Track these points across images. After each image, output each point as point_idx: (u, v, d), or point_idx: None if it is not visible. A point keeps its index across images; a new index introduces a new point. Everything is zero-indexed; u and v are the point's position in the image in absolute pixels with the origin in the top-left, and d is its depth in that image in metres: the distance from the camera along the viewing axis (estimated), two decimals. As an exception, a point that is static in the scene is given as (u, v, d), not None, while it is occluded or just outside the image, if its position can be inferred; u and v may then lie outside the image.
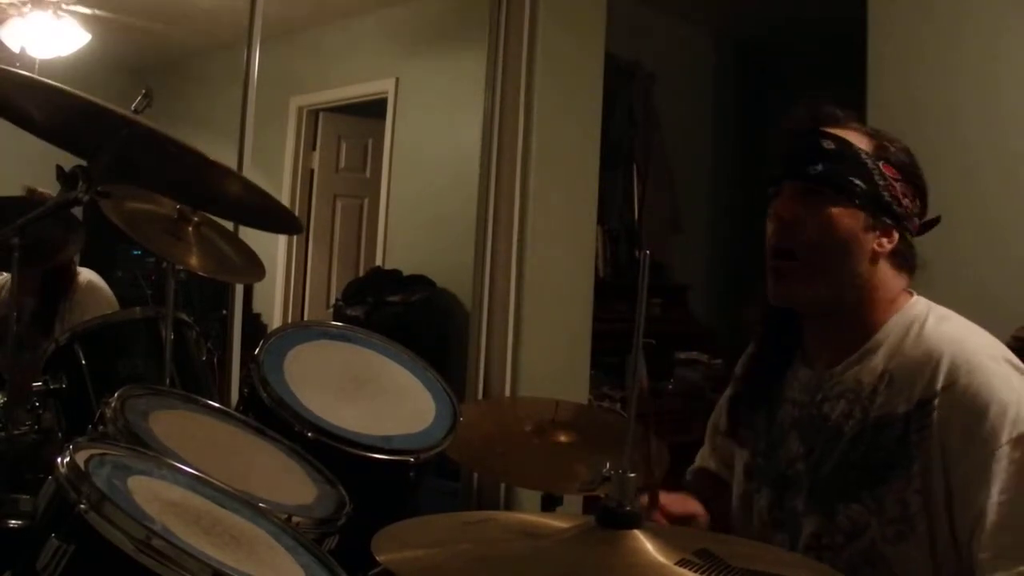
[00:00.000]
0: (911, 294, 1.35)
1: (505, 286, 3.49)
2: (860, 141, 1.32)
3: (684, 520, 1.41)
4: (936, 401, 1.22)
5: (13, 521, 1.28)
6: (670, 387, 4.64)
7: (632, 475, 0.90)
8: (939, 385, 1.23)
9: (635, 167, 5.08)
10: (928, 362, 1.25)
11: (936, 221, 1.37)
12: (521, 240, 3.51)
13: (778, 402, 1.41)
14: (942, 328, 1.29)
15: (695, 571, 0.83)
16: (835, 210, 1.29)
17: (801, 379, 1.39)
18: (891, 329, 1.31)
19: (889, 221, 1.31)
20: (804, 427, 1.36)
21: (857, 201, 1.29)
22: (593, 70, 3.81)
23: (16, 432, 1.74)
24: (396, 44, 5.14)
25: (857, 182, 1.29)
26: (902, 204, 1.32)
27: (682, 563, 0.84)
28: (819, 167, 1.29)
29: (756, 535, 1.38)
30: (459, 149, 4.25)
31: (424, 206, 4.89)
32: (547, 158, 3.57)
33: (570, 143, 3.71)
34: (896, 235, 1.32)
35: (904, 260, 1.34)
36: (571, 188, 3.74)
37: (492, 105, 3.54)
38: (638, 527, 0.89)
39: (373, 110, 5.37)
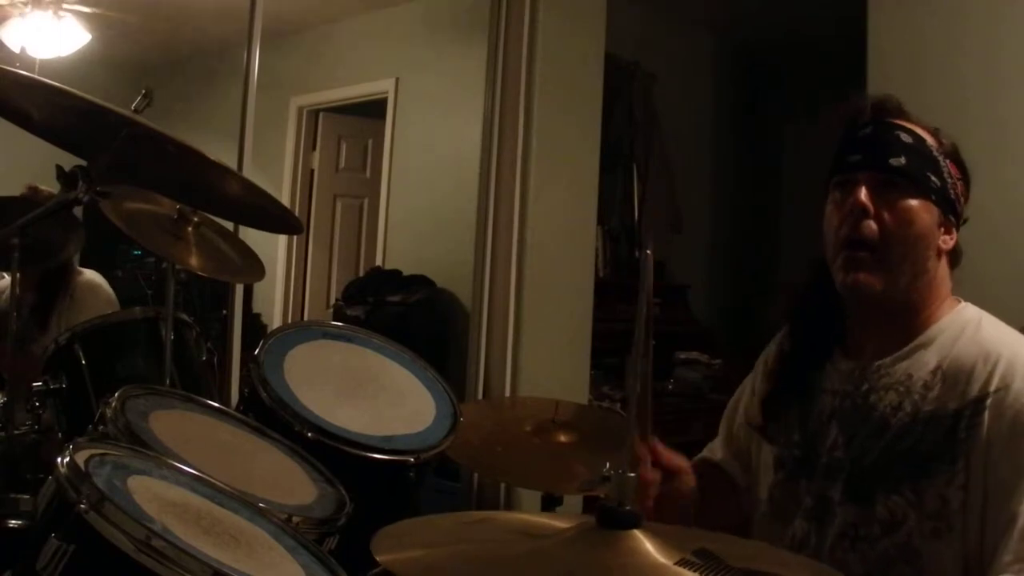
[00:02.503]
0: (959, 300, 1.36)
1: (505, 286, 3.49)
2: (927, 136, 1.33)
3: (670, 471, 1.37)
4: (988, 401, 1.23)
5: (13, 521, 1.29)
6: (670, 387, 4.64)
7: (632, 475, 0.90)
8: (993, 386, 1.23)
9: (635, 167, 5.07)
10: (984, 362, 1.25)
11: (966, 220, 1.38)
12: (521, 240, 3.51)
13: (816, 393, 1.40)
14: (999, 331, 1.30)
15: (695, 571, 0.83)
16: (914, 203, 1.29)
17: (842, 370, 1.38)
18: (944, 327, 1.32)
19: (952, 219, 1.33)
20: (845, 417, 1.35)
21: (933, 197, 1.30)
22: (593, 70, 3.81)
23: (16, 432, 1.74)
24: (396, 44, 5.14)
25: (932, 177, 1.30)
26: (961, 203, 1.34)
27: (682, 563, 0.84)
28: (901, 159, 1.29)
29: (782, 525, 1.38)
30: (459, 149, 4.25)
31: (424, 206, 4.89)
32: (547, 158, 3.57)
33: (570, 143, 3.71)
34: (955, 233, 1.34)
35: (956, 259, 1.35)
36: (571, 188, 3.74)
37: (492, 105, 3.54)
38: (638, 527, 0.89)
39: (373, 110, 5.37)
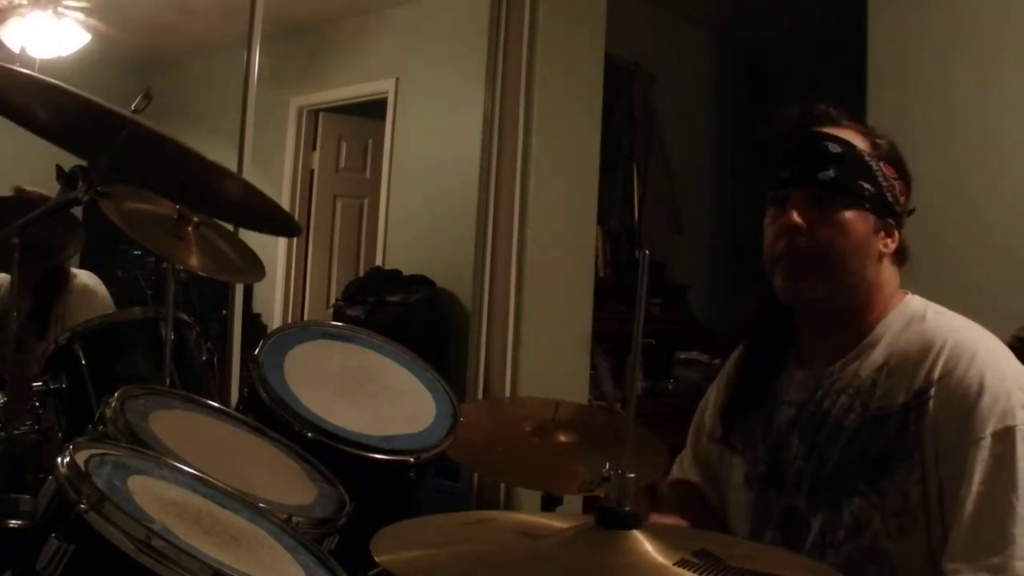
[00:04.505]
0: (905, 293, 1.36)
1: (505, 286, 3.49)
2: (858, 141, 1.32)
3: None
4: (932, 390, 1.22)
5: (13, 521, 1.29)
6: (670, 387, 4.64)
7: (632, 475, 0.90)
8: (936, 374, 1.23)
9: (635, 167, 5.08)
10: (928, 352, 1.25)
11: (912, 211, 1.38)
12: (521, 240, 3.51)
13: (774, 406, 1.40)
14: (941, 320, 1.30)
15: (695, 571, 0.83)
16: (848, 214, 1.29)
17: (797, 380, 1.39)
18: (890, 324, 1.32)
19: (892, 222, 1.32)
20: (803, 427, 1.35)
21: (867, 205, 1.29)
22: (593, 70, 3.81)
23: (16, 432, 1.74)
24: (396, 44, 5.14)
25: (866, 185, 1.29)
26: (900, 203, 1.33)
27: (682, 563, 0.84)
28: (830, 172, 1.28)
29: (756, 537, 1.37)
30: (459, 149, 4.25)
31: (424, 206, 4.88)
32: (547, 158, 3.58)
33: (570, 143, 3.72)
34: (897, 234, 1.33)
35: (901, 257, 1.35)
36: (571, 188, 3.74)
37: (492, 105, 3.55)
38: (638, 527, 0.89)
39: (373, 110, 5.37)
